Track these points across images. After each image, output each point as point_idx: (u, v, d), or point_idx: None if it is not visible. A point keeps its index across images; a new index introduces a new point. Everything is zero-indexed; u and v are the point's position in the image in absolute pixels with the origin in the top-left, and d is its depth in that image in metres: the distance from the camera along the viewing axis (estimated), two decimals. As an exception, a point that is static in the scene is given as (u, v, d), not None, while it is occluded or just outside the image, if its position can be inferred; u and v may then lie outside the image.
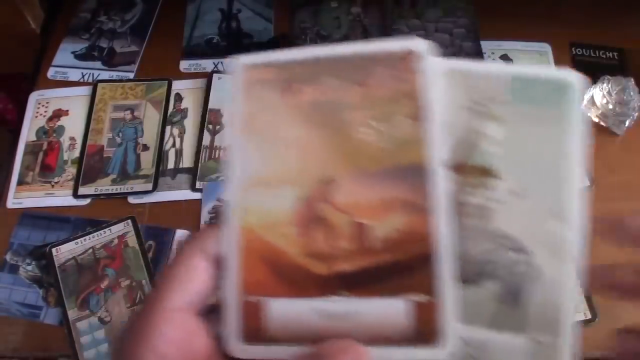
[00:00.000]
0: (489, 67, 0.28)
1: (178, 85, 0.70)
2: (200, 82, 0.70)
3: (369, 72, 0.28)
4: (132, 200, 0.63)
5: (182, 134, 0.67)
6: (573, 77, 0.27)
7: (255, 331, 0.26)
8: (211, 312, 0.27)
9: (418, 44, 0.28)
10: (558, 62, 0.70)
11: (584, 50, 0.72)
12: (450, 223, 0.26)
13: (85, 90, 0.70)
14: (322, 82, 0.28)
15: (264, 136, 0.28)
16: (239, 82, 0.29)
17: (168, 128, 0.67)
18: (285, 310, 0.26)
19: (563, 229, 0.26)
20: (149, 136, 0.67)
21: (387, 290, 0.26)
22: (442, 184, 0.26)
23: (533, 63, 0.70)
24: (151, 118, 0.68)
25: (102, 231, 0.60)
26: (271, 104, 0.29)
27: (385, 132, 0.27)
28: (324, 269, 0.26)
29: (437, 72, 0.27)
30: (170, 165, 0.65)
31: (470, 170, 0.27)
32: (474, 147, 0.27)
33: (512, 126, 0.27)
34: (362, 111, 0.28)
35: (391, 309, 0.26)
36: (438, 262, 0.25)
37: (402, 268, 0.26)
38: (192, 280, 0.26)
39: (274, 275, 0.27)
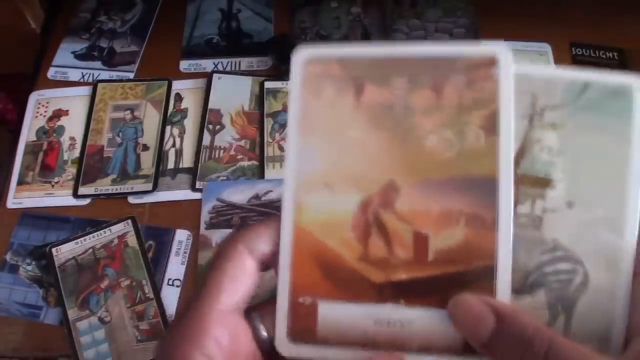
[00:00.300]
0: (549, 71, 0.27)
1: (178, 85, 0.70)
2: (200, 82, 0.70)
3: (444, 76, 0.27)
4: (132, 200, 0.63)
5: (182, 134, 0.67)
6: (635, 82, 0.26)
7: (305, 332, 0.27)
8: (250, 311, 0.27)
9: (501, 51, 0.26)
10: (558, 62, 0.70)
11: (584, 50, 0.72)
12: (511, 238, 0.25)
13: (85, 90, 0.70)
14: (392, 83, 0.27)
15: (326, 134, 0.27)
16: (301, 75, 0.28)
17: (168, 128, 0.67)
18: (337, 313, 0.26)
19: (616, 240, 0.26)
20: (149, 136, 0.67)
21: (443, 302, 0.26)
22: (510, 200, 0.25)
23: (533, 63, 0.70)
24: (151, 118, 0.68)
25: (102, 231, 0.60)
26: (335, 102, 0.28)
27: (456, 141, 0.26)
28: (381, 276, 0.26)
29: (513, 80, 0.26)
30: (170, 165, 0.65)
31: (525, 180, 0.27)
32: (528, 155, 0.27)
33: (569, 133, 0.27)
34: (433, 117, 0.27)
35: (445, 321, 0.25)
36: (497, 277, 0.25)
37: (459, 281, 0.26)
38: (241, 281, 0.26)
39: (328, 277, 0.27)
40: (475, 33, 0.72)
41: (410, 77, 0.27)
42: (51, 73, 0.72)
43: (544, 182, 0.27)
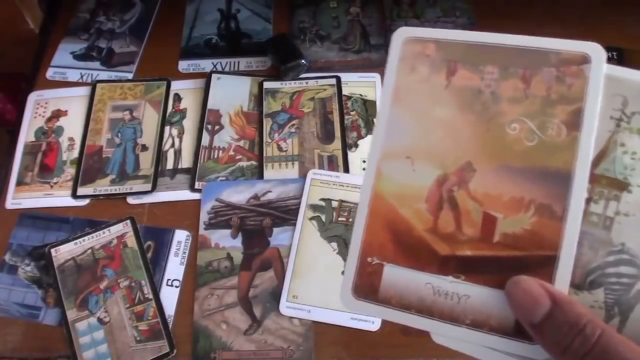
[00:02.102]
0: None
1: (177, 86, 0.70)
2: (199, 82, 0.70)
3: (534, 68, 0.28)
4: (131, 200, 0.63)
5: (181, 134, 0.67)
6: None
7: (368, 289, 0.28)
8: None
9: (594, 49, 0.27)
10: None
11: (583, 50, 0.72)
12: (577, 234, 0.26)
13: (84, 91, 0.70)
14: (483, 69, 0.28)
15: (415, 110, 0.29)
16: (399, 52, 0.30)
17: (167, 128, 0.67)
18: (400, 277, 0.28)
19: None
20: (148, 136, 0.67)
21: (501, 283, 0.27)
22: (582, 196, 0.26)
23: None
24: (150, 118, 0.68)
25: (101, 231, 0.60)
26: (428, 80, 0.29)
27: (537, 132, 0.27)
28: (446, 249, 0.28)
29: (602, 81, 0.27)
30: (169, 165, 0.65)
31: (602, 180, 0.27)
32: (610, 157, 0.27)
33: None
34: (518, 106, 0.28)
35: (500, 301, 0.27)
36: (558, 268, 0.26)
37: (520, 265, 0.26)
38: None
39: (396, 243, 0.28)
40: (474, 33, 0.72)
41: (502, 66, 0.28)
42: (50, 73, 0.72)
43: (621, 185, 0.27)
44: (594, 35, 0.77)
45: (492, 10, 0.73)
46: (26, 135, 0.67)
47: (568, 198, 0.26)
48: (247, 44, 0.74)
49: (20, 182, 0.64)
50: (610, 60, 0.70)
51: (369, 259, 0.28)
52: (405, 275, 0.28)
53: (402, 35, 0.30)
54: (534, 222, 0.26)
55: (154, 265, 0.58)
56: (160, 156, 0.65)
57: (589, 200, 0.27)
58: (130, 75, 0.72)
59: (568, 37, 0.77)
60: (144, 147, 0.66)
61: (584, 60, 0.27)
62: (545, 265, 0.26)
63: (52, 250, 0.59)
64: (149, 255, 0.59)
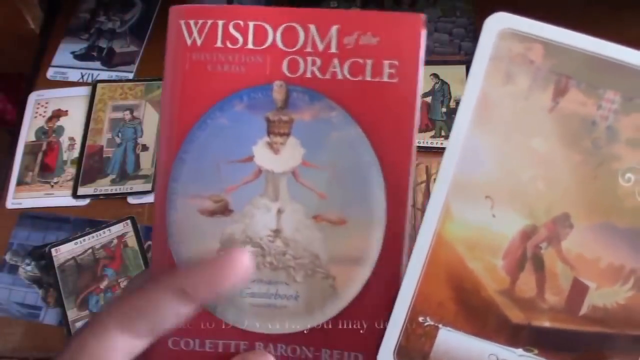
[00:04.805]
0: None
1: (177, 86, 0.70)
2: (199, 82, 0.70)
3: None
4: (131, 200, 0.63)
5: (181, 134, 0.67)
6: None
7: (415, 354, 0.23)
8: None
9: None
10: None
11: (583, 50, 0.72)
12: None
13: (85, 91, 0.70)
14: (603, 94, 0.22)
15: (505, 134, 0.22)
16: (492, 48, 0.22)
17: (167, 128, 0.67)
18: (457, 344, 0.23)
19: None
20: (149, 136, 0.67)
21: None
22: None
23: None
24: (150, 118, 0.68)
25: (101, 231, 0.60)
26: (528, 97, 0.22)
27: None
28: (521, 317, 0.23)
29: None
30: (170, 165, 0.65)
31: None
32: None
33: None
34: (638, 152, 0.22)
35: None
36: None
37: (605, 344, 0.22)
38: None
39: (458, 303, 0.23)
40: (474, 33, 0.72)
41: (625, 94, 0.22)
42: (50, 73, 0.72)
43: None
44: (594, 35, 0.76)
45: (492, 10, 0.73)
46: (26, 135, 0.67)
47: None
48: (247, 44, 0.74)
49: (20, 182, 0.64)
50: None
51: (420, 319, 0.23)
52: (464, 342, 0.23)
53: (499, 24, 0.22)
54: (629, 296, 0.22)
55: (155, 265, 0.58)
56: (160, 156, 0.65)
57: None
58: (130, 75, 0.72)
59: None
60: (145, 147, 0.66)
61: None
62: (631, 347, 0.22)
63: (53, 250, 0.59)
64: (150, 255, 0.59)
